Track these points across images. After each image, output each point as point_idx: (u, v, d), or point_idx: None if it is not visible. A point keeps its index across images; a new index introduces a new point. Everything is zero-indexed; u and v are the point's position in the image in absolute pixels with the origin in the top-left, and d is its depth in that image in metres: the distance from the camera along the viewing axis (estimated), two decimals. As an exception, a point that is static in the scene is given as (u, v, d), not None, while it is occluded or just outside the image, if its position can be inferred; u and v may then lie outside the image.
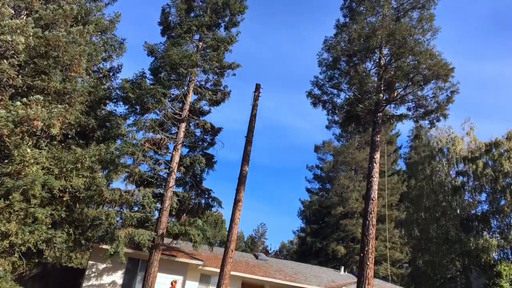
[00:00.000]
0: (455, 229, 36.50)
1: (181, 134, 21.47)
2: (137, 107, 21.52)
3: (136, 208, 20.48)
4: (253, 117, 19.85)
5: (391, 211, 40.00)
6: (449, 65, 16.50)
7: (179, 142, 21.25)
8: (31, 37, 15.59)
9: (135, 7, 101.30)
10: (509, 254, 33.72)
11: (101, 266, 20.92)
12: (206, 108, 23.46)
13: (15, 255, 16.22)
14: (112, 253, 18.33)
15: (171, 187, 20.54)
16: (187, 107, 21.94)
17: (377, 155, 17.55)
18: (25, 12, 17.89)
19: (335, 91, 19.56)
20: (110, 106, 23.72)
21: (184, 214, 21.62)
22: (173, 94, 22.44)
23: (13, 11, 16.24)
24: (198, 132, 23.16)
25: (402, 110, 18.97)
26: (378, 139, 17.93)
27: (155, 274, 19.14)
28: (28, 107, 15.06)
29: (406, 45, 16.87)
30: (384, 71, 17.99)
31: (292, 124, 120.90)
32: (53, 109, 15.91)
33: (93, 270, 20.98)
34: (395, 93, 18.20)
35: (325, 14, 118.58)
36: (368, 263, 15.64)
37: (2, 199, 15.30)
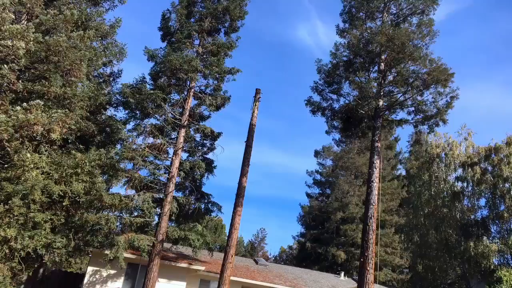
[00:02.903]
0: (455, 234, 36.44)
1: (181, 139, 21.48)
2: (137, 112, 21.54)
3: (136, 213, 20.46)
4: (253, 121, 19.89)
5: (391, 216, 39.96)
6: (449, 70, 16.54)
7: (179, 147, 21.25)
8: (31, 42, 15.66)
9: (136, 11, 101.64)
10: (510, 259, 33.63)
11: (101, 271, 20.84)
12: (206, 113, 23.50)
13: (15, 260, 16.18)
14: (111, 258, 18.29)
15: (171, 192, 20.52)
16: (187, 112, 21.97)
17: (377, 160, 17.55)
18: (26, 17, 17.96)
19: (334, 97, 19.62)
20: (110, 111, 23.79)
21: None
22: (173, 99, 22.51)
23: (13, 16, 16.30)
24: (198, 137, 23.20)
25: (402, 115, 19.04)
26: (378, 144, 17.94)
27: (154, 280, 19.07)
28: (28, 112, 15.10)
29: (405, 50, 16.92)
30: (383, 76, 18.05)
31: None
32: (53, 114, 15.93)
33: (93, 275, 20.90)
34: (395, 99, 18.25)
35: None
36: (368, 268, 15.61)
37: (2, 204, 15.29)
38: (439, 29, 17.63)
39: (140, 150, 20.12)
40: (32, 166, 15.88)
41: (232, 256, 17.73)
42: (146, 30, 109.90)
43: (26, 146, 16.03)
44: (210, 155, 23.11)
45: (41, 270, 23.03)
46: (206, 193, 22.57)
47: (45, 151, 17.28)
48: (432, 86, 16.83)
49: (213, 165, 22.70)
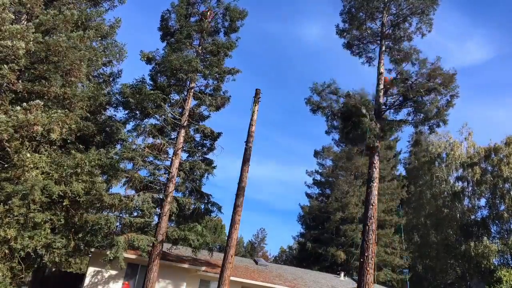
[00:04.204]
0: (455, 234, 36.48)
1: (181, 139, 21.46)
2: (137, 112, 21.54)
3: (135, 213, 20.45)
4: (252, 121, 19.89)
5: (391, 216, 39.92)
6: (450, 72, 16.51)
7: (178, 147, 21.24)
8: (31, 42, 15.65)
9: (136, 12, 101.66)
10: (510, 259, 33.67)
11: (101, 271, 20.83)
12: (206, 113, 23.49)
13: (15, 260, 16.18)
14: (111, 258, 18.26)
15: (170, 192, 20.51)
16: (187, 112, 21.95)
17: (377, 161, 17.54)
18: (26, 17, 17.95)
19: (334, 97, 19.57)
20: (110, 111, 23.80)
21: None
22: (173, 99, 22.49)
23: (13, 16, 16.28)
24: (197, 137, 23.18)
25: (402, 115, 18.97)
26: (378, 144, 17.92)
27: (154, 280, 19.06)
28: (28, 112, 15.08)
29: (405, 51, 16.92)
30: (384, 77, 18.05)
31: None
32: (53, 114, 15.93)
33: (93, 275, 20.89)
34: (395, 99, 18.23)
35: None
36: (368, 268, 15.61)
37: (2, 204, 15.29)
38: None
39: (140, 150, 20.11)
40: (32, 166, 15.88)
41: (232, 256, 17.73)
42: (145, 31, 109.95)
43: (26, 146, 16.02)
44: (210, 155, 23.13)
45: (41, 270, 23.03)
46: (206, 193, 22.56)
47: (45, 151, 17.27)
48: (433, 89, 16.75)
49: (212, 165, 22.68)
